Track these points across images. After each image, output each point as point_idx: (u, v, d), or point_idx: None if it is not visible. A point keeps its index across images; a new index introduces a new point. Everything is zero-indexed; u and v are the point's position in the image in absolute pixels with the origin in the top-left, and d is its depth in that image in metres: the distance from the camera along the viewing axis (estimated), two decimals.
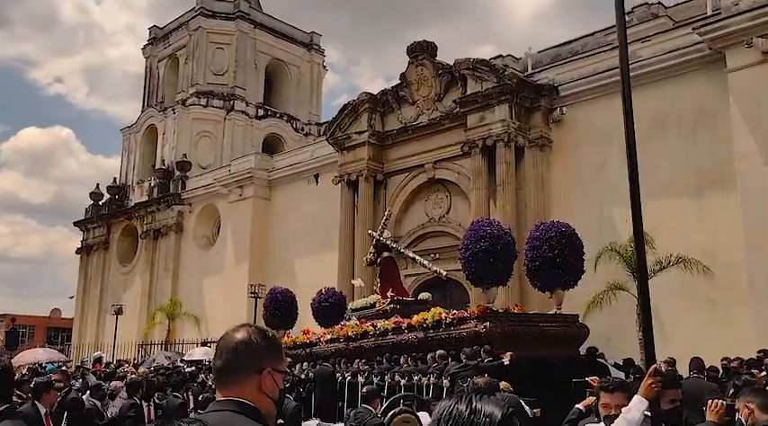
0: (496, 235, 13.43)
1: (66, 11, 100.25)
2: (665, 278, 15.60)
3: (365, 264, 18.78)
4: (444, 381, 10.68)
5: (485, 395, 1.50)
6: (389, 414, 6.40)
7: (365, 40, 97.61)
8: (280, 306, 18.83)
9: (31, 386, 6.55)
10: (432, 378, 11.14)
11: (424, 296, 17.18)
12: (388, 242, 17.47)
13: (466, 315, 12.86)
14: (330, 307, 17.87)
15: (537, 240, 13.37)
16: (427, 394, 10.49)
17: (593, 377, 4.97)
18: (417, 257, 17.84)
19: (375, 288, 17.24)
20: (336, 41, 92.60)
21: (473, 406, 1.45)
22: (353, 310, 16.95)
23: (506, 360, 10.56)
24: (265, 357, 1.97)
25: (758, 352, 11.42)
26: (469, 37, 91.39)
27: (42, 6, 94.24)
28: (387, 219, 18.48)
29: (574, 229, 13.57)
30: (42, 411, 6.04)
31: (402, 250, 18.18)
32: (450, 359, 11.77)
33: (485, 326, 12.00)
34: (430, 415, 6.27)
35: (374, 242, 17.49)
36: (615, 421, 3.69)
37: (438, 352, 12.05)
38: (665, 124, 17.89)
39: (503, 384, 6.71)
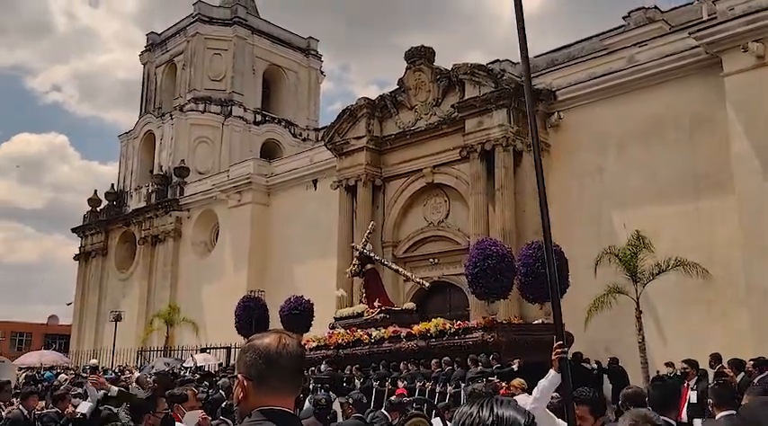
0: (501, 253, 14.83)
1: (60, 18, 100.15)
2: (663, 281, 15.69)
3: (349, 276, 19.20)
4: (449, 387, 11.23)
5: (505, 401, 1.49)
6: (401, 417, 6.46)
7: (353, 47, 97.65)
8: (252, 314, 19.20)
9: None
10: (438, 385, 11.86)
11: (409, 305, 18.06)
12: (371, 254, 18.09)
13: (472, 325, 13.85)
14: (299, 316, 18.36)
15: (530, 257, 14.79)
16: (431, 398, 10.77)
17: None
18: (400, 269, 18.78)
19: (361, 298, 17.74)
20: (326, 48, 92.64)
21: (495, 413, 1.44)
22: (338, 319, 17.22)
23: (515, 367, 11.55)
24: None
25: (685, 362, 11.34)
26: (457, 42, 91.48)
27: (36, 14, 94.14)
28: (370, 233, 19.00)
29: (561, 248, 14.39)
30: None
31: (384, 262, 18.85)
32: (455, 366, 12.60)
33: (492, 336, 13.10)
34: (441, 420, 6.34)
35: (358, 254, 17.93)
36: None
37: (444, 359, 12.93)
38: (662, 127, 18.00)
39: (517, 381, 7.16)
